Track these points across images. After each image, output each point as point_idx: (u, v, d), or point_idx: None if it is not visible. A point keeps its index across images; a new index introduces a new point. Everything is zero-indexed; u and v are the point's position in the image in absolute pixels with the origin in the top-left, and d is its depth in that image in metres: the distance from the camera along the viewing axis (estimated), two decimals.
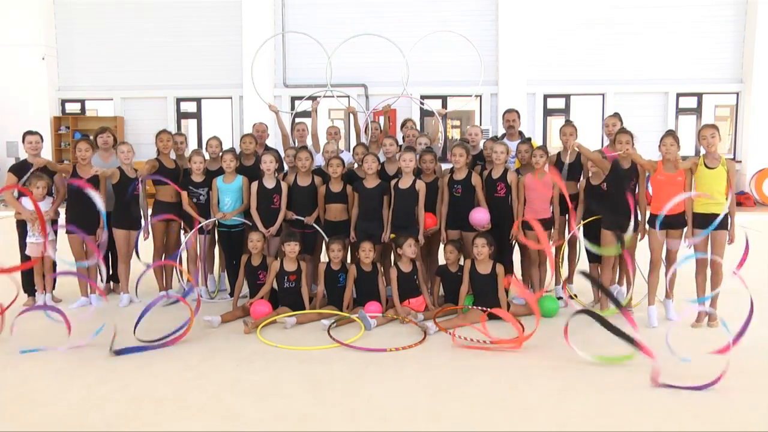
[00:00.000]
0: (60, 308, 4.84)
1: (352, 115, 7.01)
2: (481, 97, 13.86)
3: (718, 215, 4.74)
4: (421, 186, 5.44)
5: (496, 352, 4.39)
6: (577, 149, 5.41)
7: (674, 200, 4.57)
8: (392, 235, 5.42)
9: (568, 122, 5.72)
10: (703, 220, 4.83)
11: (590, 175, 5.43)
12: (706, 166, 4.84)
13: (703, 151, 4.94)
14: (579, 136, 5.58)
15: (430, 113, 12.52)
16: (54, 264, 5.73)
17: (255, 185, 5.61)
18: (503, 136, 6.35)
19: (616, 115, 5.76)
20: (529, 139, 6.07)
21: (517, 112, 6.35)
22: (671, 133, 4.98)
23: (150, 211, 5.91)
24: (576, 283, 6.08)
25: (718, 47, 13.73)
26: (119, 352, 4.30)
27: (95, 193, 4.92)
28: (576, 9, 13.87)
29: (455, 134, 15.99)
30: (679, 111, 14.05)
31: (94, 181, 5.50)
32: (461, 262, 5.44)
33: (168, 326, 4.70)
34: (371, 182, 5.53)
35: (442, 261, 5.64)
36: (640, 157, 5.03)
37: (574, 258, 5.93)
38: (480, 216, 5.33)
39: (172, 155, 6.09)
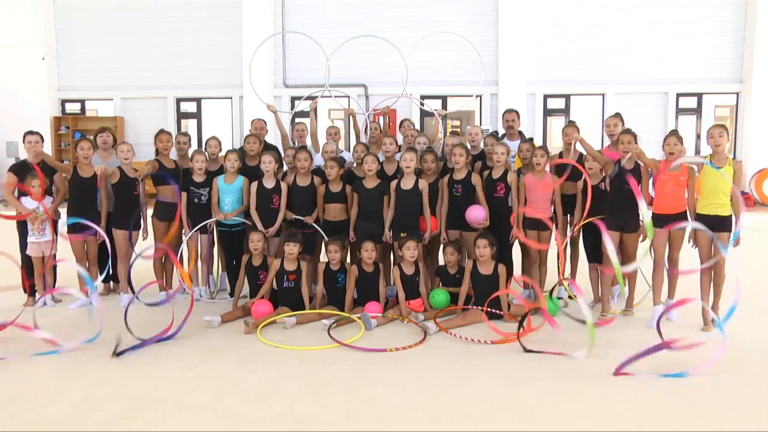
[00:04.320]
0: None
1: (351, 117, 7.01)
2: (481, 97, 13.87)
3: (721, 216, 4.75)
4: (424, 186, 5.44)
5: (497, 352, 4.38)
6: (581, 143, 5.40)
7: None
8: (403, 234, 5.38)
9: (570, 123, 5.71)
10: (706, 222, 4.82)
11: (587, 175, 5.43)
12: (711, 166, 4.83)
13: (708, 151, 4.94)
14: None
15: (430, 114, 12.52)
16: (54, 264, 5.73)
17: (255, 185, 5.62)
18: (503, 136, 6.35)
19: (618, 115, 5.76)
20: (531, 139, 6.06)
21: (516, 112, 6.35)
22: (675, 133, 4.99)
23: (151, 211, 5.91)
24: (577, 283, 6.06)
25: (718, 47, 13.75)
26: (120, 354, 4.29)
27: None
28: (576, 9, 13.88)
29: (455, 132, 15.98)
30: (679, 111, 14.06)
31: (94, 180, 5.51)
32: (462, 264, 5.45)
33: (166, 324, 4.71)
34: (371, 182, 5.52)
35: (442, 261, 5.64)
36: (644, 155, 5.03)
37: (576, 258, 5.93)
38: (476, 213, 5.32)
39: (173, 155, 6.09)
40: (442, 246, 5.63)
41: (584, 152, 5.49)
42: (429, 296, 5.35)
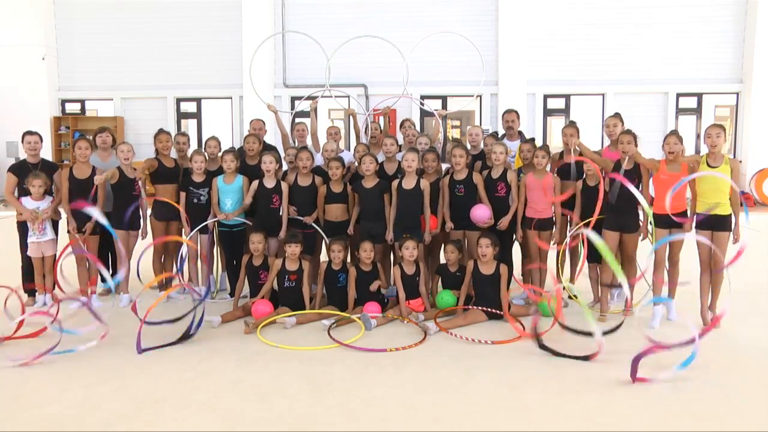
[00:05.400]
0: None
1: (351, 117, 7.01)
2: (481, 97, 13.87)
3: (720, 216, 4.75)
4: (425, 185, 5.44)
5: (497, 352, 4.38)
6: (578, 148, 5.41)
7: (673, 189, 4.52)
8: (406, 235, 5.38)
9: (571, 123, 5.71)
10: (705, 220, 4.83)
11: (586, 176, 5.43)
12: (708, 165, 4.84)
13: (706, 150, 4.94)
14: (580, 137, 5.58)
15: (430, 114, 12.52)
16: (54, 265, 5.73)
17: (255, 184, 5.63)
18: (503, 136, 6.35)
19: (617, 115, 5.76)
20: (533, 139, 6.07)
21: (516, 112, 6.35)
22: (674, 133, 4.99)
23: (149, 211, 5.91)
24: (576, 283, 6.07)
25: (718, 47, 13.74)
26: (142, 351, 4.33)
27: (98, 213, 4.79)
28: (576, 9, 13.87)
29: (455, 134, 15.98)
30: (679, 111, 14.06)
31: (93, 179, 5.52)
32: (462, 263, 5.45)
33: (175, 323, 4.71)
34: (370, 182, 5.53)
35: (442, 261, 5.64)
36: (641, 156, 5.03)
37: (576, 258, 5.93)
38: (481, 212, 5.33)
39: (173, 155, 6.09)
40: (443, 245, 5.63)
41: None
42: (436, 297, 5.36)
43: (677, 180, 4.90)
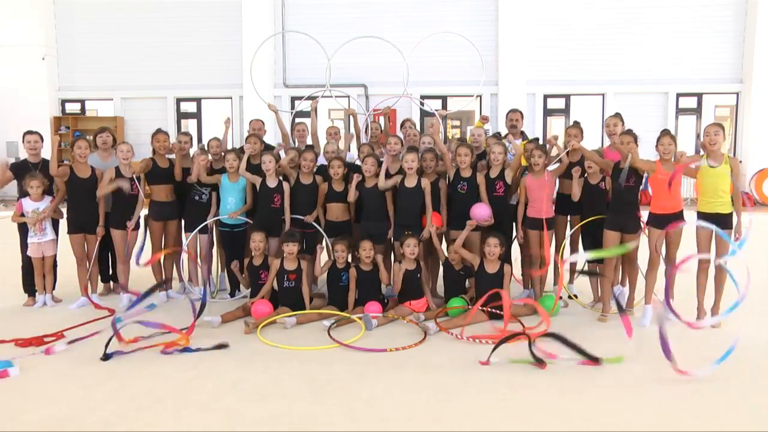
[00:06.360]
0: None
1: (351, 117, 7.02)
2: (481, 97, 13.86)
3: (722, 214, 4.75)
4: (426, 184, 5.45)
5: (496, 352, 4.37)
6: (579, 151, 5.41)
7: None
8: (408, 232, 5.37)
9: (575, 124, 5.71)
10: (707, 220, 4.82)
11: (587, 174, 5.44)
12: (708, 164, 4.83)
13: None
14: (584, 138, 5.59)
15: (431, 114, 12.52)
16: (54, 265, 5.72)
17: (258, 179, 5.64)
18: (506, 135, 6.36)
19: (618, 115, 5.76)
20: (536, 139, 6.08)
21: (520, 112, 6.36)
22: (668, 133, 4.99)
23: (146, 211, 5.90)
24: (576, 283, 6.07)
25: (718, 47, 13.73)
26: (107, 358, 4.23)
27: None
28: (576, 9, 13.86)
29: (455, 134, 15.99)
30: (679, 111, 14.05)
31: (93, 180, 5.53)
32: (465, 263, 5.45)
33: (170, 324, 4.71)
34: (372, 182, 5.53)
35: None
36: (637, 158, 5.02)
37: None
38: (481, 211, 5.33)
39: (172, 155, 6.09)
40: (446, 245, 5.63)
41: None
42: (447, 303, 5.38)
43: (675, 179, 4.90)
